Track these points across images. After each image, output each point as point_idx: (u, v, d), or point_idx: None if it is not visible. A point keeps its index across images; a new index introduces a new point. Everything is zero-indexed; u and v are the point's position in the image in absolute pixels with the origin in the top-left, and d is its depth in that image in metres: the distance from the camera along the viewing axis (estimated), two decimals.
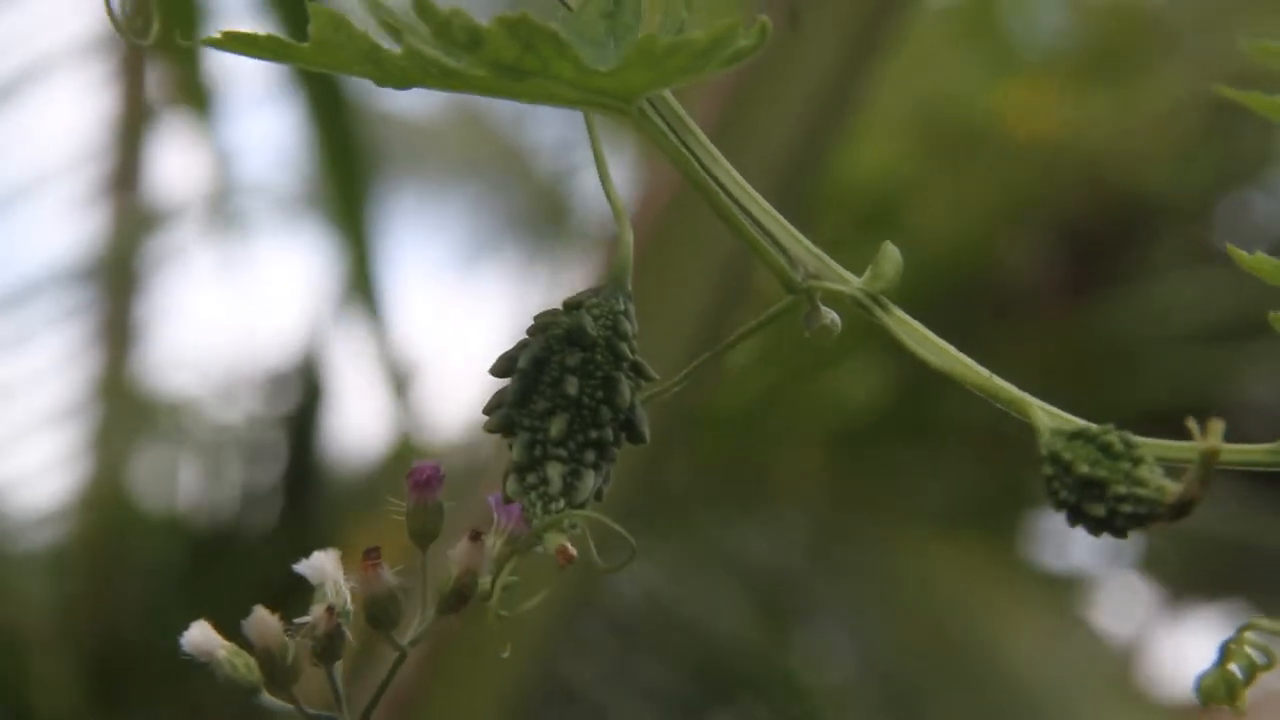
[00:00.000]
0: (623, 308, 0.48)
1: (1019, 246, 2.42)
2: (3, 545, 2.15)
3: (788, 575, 2.21)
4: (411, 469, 0.49)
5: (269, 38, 0.45)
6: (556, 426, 0.46)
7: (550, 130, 2.88)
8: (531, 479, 0.46)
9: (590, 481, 0.46)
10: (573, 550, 0.45)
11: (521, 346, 0.47)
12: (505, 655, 0.42)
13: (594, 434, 0.46)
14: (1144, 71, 2.45)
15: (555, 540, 0.45)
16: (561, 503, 0.46)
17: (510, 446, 0.46)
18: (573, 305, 0.48)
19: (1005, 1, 2.56)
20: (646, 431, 0.47)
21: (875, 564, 2.23)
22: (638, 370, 0.48)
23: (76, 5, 2.05)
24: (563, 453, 0.46)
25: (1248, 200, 2.65)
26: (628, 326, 0.48)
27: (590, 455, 0.46)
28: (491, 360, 0.47)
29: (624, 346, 0.47)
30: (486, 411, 0.47)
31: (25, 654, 1.95)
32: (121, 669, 1.96)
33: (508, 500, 0.47)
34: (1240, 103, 0.59)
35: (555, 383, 0.46)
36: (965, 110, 2.42)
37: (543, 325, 0.47)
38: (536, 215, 3.01)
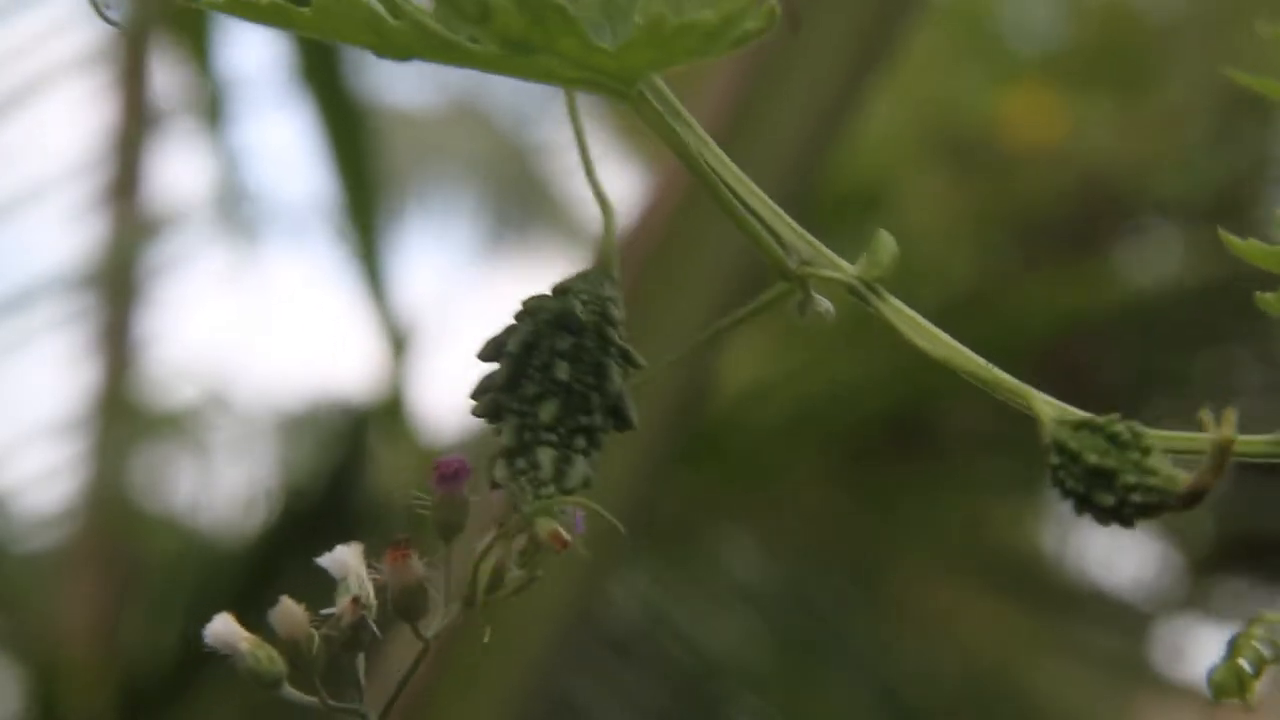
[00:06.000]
0: (610, 294, 0.48)
1: (1016, 252, 2.42)
2: (10, 549, 2.15)
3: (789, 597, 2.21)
4: (437, 462, 0.49)
5: (270, 3, 0.45)
6: (547, 411, 0.46)
7: (551, 129, 2.89)
8: (521, 463, 0.46)
9: (580, 467, 0.46)
10: (566, 535, 0.45)
11: (509, 331, 0.47)
12: (486, 640, 0.43)
13: (584, 420, 0.46)
14: (1145, 76, 2.45)
15: (547, 526, 0.45)
16: (552, 488, 0.45)
17: (498, 432, 0.46)
18: (560, 290, 0.48)
19: (1005, 5, 2.57)
20: (635, 418, 0.47)
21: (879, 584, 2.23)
22: (626, 357, 0.47)
23: (77, 13, 2.05)
24: (553, 438, 0.46)
25: (1251, 204, 2.65)
26: (615, 312, 0.48)
27: (580, 441, 0.46)
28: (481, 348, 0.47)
29: (613, 332, 0.47)
30: (474, 396, 0.47)
31: (54, 661, 1.95)
32: (147, 677, 1.95)
33: (494, 486, 0.46)
34: (1255, 93, 0.58)
35: (545, 367, 0.46)
36: (964, 115, 2.43)
37: (531, 310, 0.47)
38: (536, 212, 3.03)
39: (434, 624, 0.49)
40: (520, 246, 3.17)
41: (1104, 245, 2.47)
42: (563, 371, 0.46)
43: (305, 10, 0.45)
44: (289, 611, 0.48)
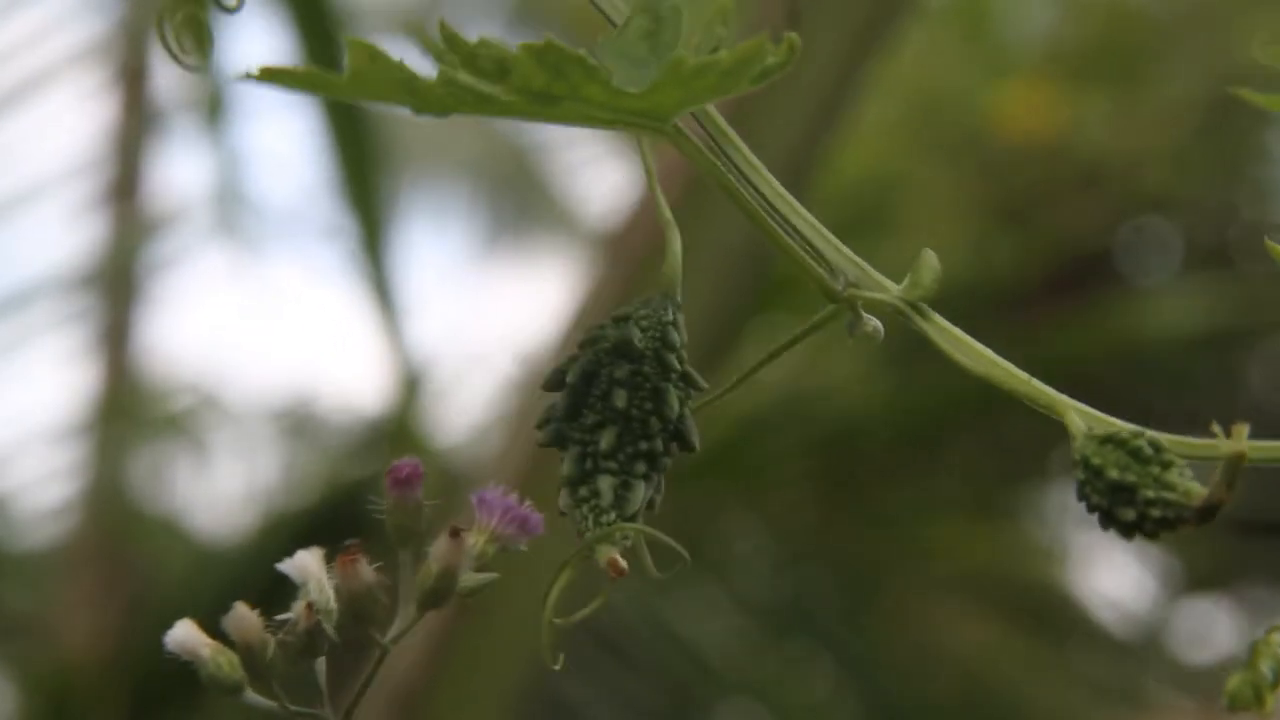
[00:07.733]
0: (671, 318, 0.49)
1: (1014, 247, 2.42)
2: (10, 547, 2.15)
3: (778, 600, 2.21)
4: (391, 467, 0.50)
5: (306, 71, 0.45)
6: (606, 439, 0.47)
7: (550, 129, 2.88)
8: (583, 492, 0.47)
9: (641, 493, 0.47)
10: (623, 563, 0.46)
11: (570, 361, 0.48)
12: (557, 668, 0.43)
13: (644, 445, 0.47)
14: (1141, 71, 2.45)
15: (606, 553, 0.46)
16: (613, 515, 0.46)
17: (562, 460, 0.47)
18: (620, 318, 0.48)
19: (1001, 1, 2.57)
20: (697, 440, 0.48)
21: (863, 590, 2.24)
22: (687, 380, 0.48)
23: (77, 13, 2.06)
24: (613, 465, 0.47)
25: (1245, 199, 2.66)
26: (676, 337, 0.48)
27: (641, 466, 0.47)
28: (543, 372, 0.48)
29: (672, 358, 0.48)
30: (539, 426, 0.48)
31: (54, 661, 1.94)
32: (148, 676, 1.95)
33: (561, 514, 0.48)
34: (1252, 103, 0.59)
35: (604, 396, 0.47)
36: (961, 110, 2.43)
37: (591, 338, 0.48)
38: (535, 211, 3.02)
39: (393, 628, 0.49)
40: (518, 246, 3.16)
41: (1101, 241, 2.47)
42: (620, 399, 0.47)
43: (341, 76, 0.45)
44: (241, 617, 0.49)
